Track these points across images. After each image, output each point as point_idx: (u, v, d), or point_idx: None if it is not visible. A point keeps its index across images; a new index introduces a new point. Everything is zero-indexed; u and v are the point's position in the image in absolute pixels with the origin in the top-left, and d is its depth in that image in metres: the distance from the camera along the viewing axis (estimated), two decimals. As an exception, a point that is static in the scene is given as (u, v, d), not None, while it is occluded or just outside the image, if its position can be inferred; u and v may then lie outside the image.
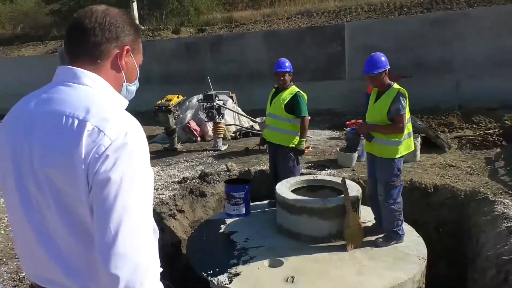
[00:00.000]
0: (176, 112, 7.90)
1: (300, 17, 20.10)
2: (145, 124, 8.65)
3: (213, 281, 3.52)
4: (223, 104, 7.76)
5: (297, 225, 4.17)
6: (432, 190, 5.20)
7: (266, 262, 3.78)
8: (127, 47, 1.27)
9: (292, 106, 4.71)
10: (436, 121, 8.58)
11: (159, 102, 7.71)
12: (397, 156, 3.83)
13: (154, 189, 5.54)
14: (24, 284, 3.24)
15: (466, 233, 4.69)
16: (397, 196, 3.94)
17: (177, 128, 7.87)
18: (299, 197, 4.21)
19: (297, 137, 4.81)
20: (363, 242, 4.04)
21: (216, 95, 7.60)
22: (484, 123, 8.16)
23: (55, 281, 1.21)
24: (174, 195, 5.29)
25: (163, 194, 5.33)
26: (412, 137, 4.03)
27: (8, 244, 3.99)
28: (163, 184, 5.75)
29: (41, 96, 1.21)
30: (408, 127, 3.92)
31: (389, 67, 3.85)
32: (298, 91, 4.76)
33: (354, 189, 4.35)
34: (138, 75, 1.38)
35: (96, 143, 1.07)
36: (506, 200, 4.44)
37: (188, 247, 4.27)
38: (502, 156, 6.00)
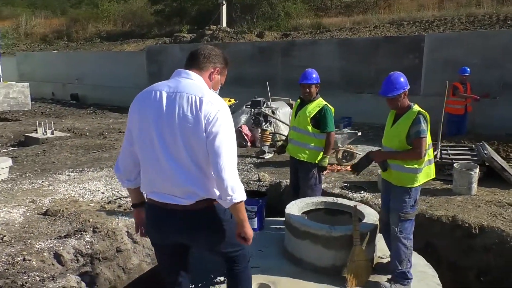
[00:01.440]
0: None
1: (389, 26, 18.98)
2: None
3: (192, 298, 3.36)
4: (273, 112, 7.55)
5: (300, 250, 3.83)
6: (477, 231, 4.45)
7: (253, 286, 3.51)
8: (217, 68, 2.21)
9: (318, 120, 4.38)
10: (516, 150, 7.42)
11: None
12: (415, 185, 3.38)
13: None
14: (14, 269, 3.39)
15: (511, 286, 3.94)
16: (410, 231, 3.44)
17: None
18: (303, 220, 3.87)
19: (321, 153, 4.45)
20: (370, 281, 3.58)
21: (264, 102, 7.42)
22: None
23: (174, 195, 2.05)
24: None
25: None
26: (433, 164, 3.51)
27: (24, 227, 4.24)
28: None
29: (167, 84, 2.09)
30: (429, 153, 3.42)
31: (409, 87, 3.36)
32: (326, 104, 4.41)
33: (371, 218, 3.89)
34: (219, 88, 2.28)
35: (210, 109, 1.96)
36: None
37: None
38: None
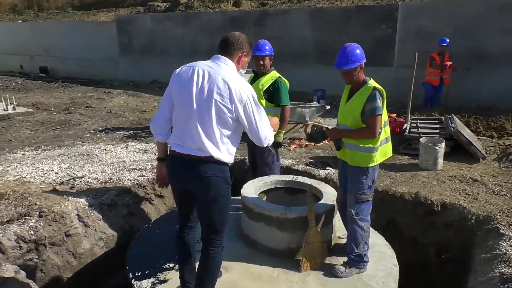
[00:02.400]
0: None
1: (367, -6, 18.54)
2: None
3: (135, 285, 3.16)
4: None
5: (254, 232, 3.67)
6: (439, 208, 4.34)
7: (204, 271, 3.33)
8: (244, 52, 2.66)
9: (272, 94, 4.15)
10: (485, 123, 7.32)
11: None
12: (371, 165, 3.19)
13: (139, 169, 5.29)
14: None
15: (468, 266, 3.87)
16: (367, 213, 3.29)
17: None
18: (258, 201, 3.67)
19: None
20: (326, 263, 3.44)
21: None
22: (544, 131, 6.82)
23: (195, 149, 2.49)
24: (153, 178, 4.97)
25: (144, 176, 5.05)
26: (390, 142, 3.32)
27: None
28: (151, 164, 5.46)
29: (208, 64, 2.57)
30: (386, 131, 3.23)
31: (365, 60, 3.12)
32: (279, 77, 4.16)
33: (329, 198, 3.72)
34: (246, 67, 2.74)
35: (240, 92, 2.47)
36: (519, 236, 3.52)
37: (136, 238, 3.94)
38: (546, 175, 4.88)
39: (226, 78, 2.47)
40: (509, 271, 3.05)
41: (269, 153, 4.25)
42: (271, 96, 4.12)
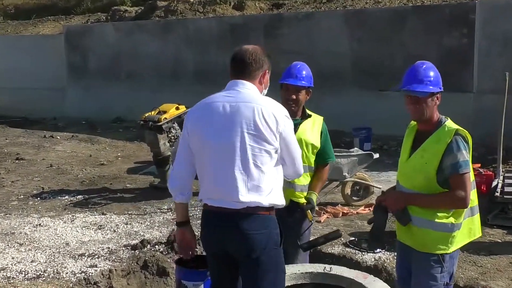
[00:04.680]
0: (173, 132, 7.50)
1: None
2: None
3: None
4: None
5: None
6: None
7: None
8: (266, 70, 3.01)
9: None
10: None
11: (147, 114, 7.38)
12: (449, 251, 3.06)
13: (88, 256, 5.16)
14: None
15: None
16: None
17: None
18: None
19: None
20: None
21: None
22: None
23: (231, 201, 2.77)
24: (110, 271, 4.83)
25: (96, 266, 4.90)
26: (477, 215, 3.19)
27: None
28: (107, 248, 5.33)
29: (225, 95, 2.91)
30: (472, 198, 3.08)
31: (442, 90, 3.02)
32: (324, 121, 4.13)
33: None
34: (268, 85, 3.12)
35: (273, 114, 2.81)
36: None
37: None
38: None
39: (253, 104, 2.81)
40: None
41: (303, 220, 4.01)
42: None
